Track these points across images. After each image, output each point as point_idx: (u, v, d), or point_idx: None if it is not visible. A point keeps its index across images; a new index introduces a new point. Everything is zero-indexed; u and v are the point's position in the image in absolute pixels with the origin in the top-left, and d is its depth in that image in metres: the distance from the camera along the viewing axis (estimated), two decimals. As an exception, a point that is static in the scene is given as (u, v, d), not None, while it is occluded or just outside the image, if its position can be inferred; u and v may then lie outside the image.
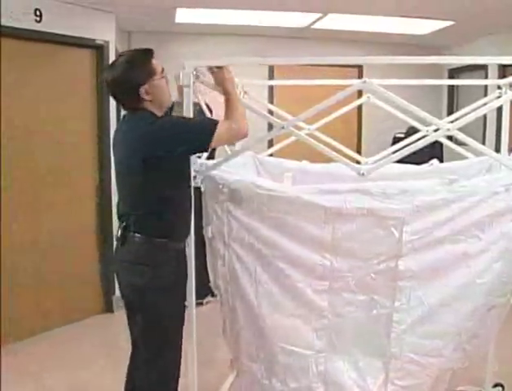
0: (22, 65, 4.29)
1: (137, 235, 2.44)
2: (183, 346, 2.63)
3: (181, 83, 2.50)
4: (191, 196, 2.59)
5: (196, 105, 2.62)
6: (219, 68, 2.52)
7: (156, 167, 2.36)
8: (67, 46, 4.55)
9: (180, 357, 2.62)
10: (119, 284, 2.63)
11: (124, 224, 2.48)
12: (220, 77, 2.53)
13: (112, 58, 4.79)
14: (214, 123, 2.38)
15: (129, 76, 2.40)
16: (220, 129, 2.35)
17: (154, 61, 2.47)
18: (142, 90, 2.39)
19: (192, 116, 2.52)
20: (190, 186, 2.58)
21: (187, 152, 2.47)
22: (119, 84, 2.43)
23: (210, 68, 2.55)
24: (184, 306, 2.63)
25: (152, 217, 2.45)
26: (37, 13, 4.23)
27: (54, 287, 4.60)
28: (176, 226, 2.53)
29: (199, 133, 2.39)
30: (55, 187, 4.59)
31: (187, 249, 2.62)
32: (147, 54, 2.53)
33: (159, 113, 2.47)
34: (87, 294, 4.88)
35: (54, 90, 4.51)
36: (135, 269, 2.48)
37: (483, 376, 3.24)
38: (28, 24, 4.17)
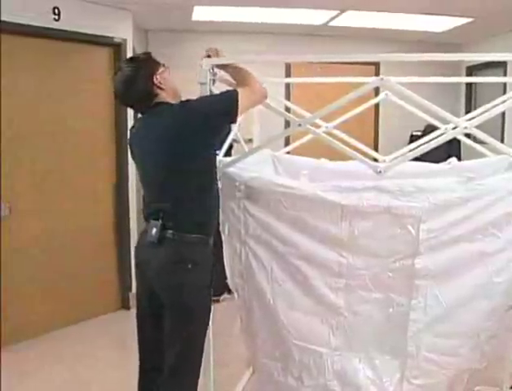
0: (40, 63, 4.32)
1: (177, 233, 2.38)
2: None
3: (198, 80, 2.51)
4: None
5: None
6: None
7: (193, 156, 2.35)
8: (85, 44, 4.58)
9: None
10: (154, 285, 2.49)
11: (161, 222, 2.39)
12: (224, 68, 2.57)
13: (129, 55, 4.82)
14: (236, 93, 2.39)
15: (140, 71, 2.45)
16: (242, 97, 2.37)
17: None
18: (156, 78, 2.44)
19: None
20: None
21: (220, 126, 2.47)
22: (132, 83, 2.45)
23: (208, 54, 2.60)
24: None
25: (192, 212, 2.41)
26: (56, 11, 4.26)
27: (71, 283, 4.64)
28: (212, 221, 2.52)
29: (225, 104, 2.39)
30: (75, 185, 4.63)
31: None
32: (145, 53, 2.63)
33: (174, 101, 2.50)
34: (104, 291, 4.91)
35: (71, 87, 4.54)
36: (179, 268, 2.40)
37: (502, 377, 3.21)
38: (47, 22, 4.20)
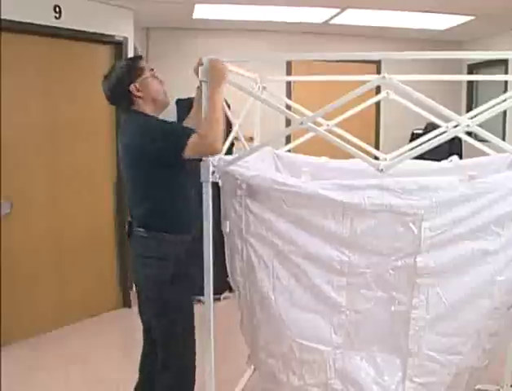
0: (41, 61, 4.32)
1: (139, 229, 2.60)
2: (201, 342, 2.66)
3: (199, 78, 2.51)
4: (191, 191, 2.70)
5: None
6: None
7: (147, 164, 2.51)
8: (86, 43, 4.58)
9: (193, 358, 2.71)
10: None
11: (129, 219, 2.68)
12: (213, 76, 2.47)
13: (130, 54, 4.83)
14: (190, 140, 2.41)
15: (120, 77, 2.60)
16: (192, 146, 2.41)
17: (143, 62, 2.67)
18: (132, 87, 2.57)
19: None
20: (189, 180, 2.68)
21: (163, 155, 2.48)
22: (113, 87, 2.62)
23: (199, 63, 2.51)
24: (191, 300, 2.74)
25: (151, 211, 2.60)
26: (57, 9, 4.26)
27: (72, 282, 4.65)
28: (172, 220, 2.63)
29: (174, 144, 2.45)
30: (74, 185, 4.64)
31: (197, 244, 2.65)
32: (135, 58, 2.86)
33: (151, 111, 2.63)
34: (105, 289, 4.92)
35: (72, 86, 4.55)
36: (141, 262, 2.62)
37: (502, 375, 3.22)
38: (48, 20, 4.20)
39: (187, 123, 2.78)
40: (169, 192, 2.59)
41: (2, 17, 3.82)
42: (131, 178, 2.64)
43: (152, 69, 2.67)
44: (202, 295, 2.58)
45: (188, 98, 2.57)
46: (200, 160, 2.51)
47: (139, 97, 2.60)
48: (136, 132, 2.56)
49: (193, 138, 2.42)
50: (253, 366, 3.30)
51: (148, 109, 2.63)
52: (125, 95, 2.60)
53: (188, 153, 2.42)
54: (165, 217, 2.61)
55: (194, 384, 2.73)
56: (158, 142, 2.46)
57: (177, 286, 2.59)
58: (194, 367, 2.71)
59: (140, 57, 2.84)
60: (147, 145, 2.48)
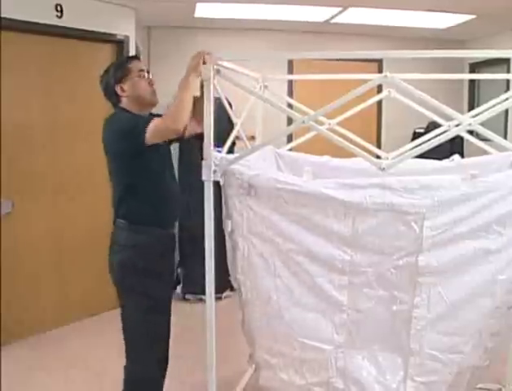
0: (42, 60, 4.33)
1: (118, 220, 2.74)
2: (202, 341, 2.66)
3: (201, 77, 2.51)
4: (170, 185, 2.84)
5: (217, 99, 2.63)
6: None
7: (116, 155, 2.67)
8: (87, 41, 4.59)
9: (163, 351, 2.77)
10: None
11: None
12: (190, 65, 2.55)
13: (132, 52, 4.83)
14: (147, 121, 2.53)
15: (108, 77, 2.77)
16: (151, 127, 2.50)
17: (133, 63, 2.79)
18: (118, 87, 2.72)
19: (212, 110, 2.53)
20: (164, 175, 2.79)
21: (129, 146, 2.59)
22: (104, 85, 2.79)
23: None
24: (165, 293, 2.82)
25: (123, 203, 2.73)
26: (58, 8, 4.26)
27: (72, 281, 4.66)
28: (147, 213, 2.71)
29: (135, 129, 2.54)
30: (75, 183, 4.64)
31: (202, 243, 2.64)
32: (127, 58, 3.02)
33: (137, 110, 2.72)
34: (105, 288, 4.90)
35: (74, 85, 4.54)
36: (112, 249, 2.79)
37: (505, 374, 3.22)
38: (49, 19, 4.20)
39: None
40: (139, 183, 2.69)
41: (4, 16, 3.82)
42: (109, 171, 2.77)
43: (142, 70, 2.77)
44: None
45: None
46: (202, 157, 2.52)
47: (125, 96, 2.74)
48: (107, 126, 2.70)
49: (153, 122, 2.52)
50: (254, 366, 3.29)
51: (134, 108, 2.73)
52: (112, 94, 2.76)
53: (150, 138, 2.51)
54: (134, 206, 2.71)
55: (155, 380, 2.79)
56: (121, 133, 2.59)
57: (141, 276, 2.67)
58: (149, 364, 2.76)
59: (132, 57, 3.02)
60: (112, 137, 2.65)
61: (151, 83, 2.79)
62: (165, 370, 2.82)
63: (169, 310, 2.83)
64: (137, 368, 2.73)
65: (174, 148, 3.01)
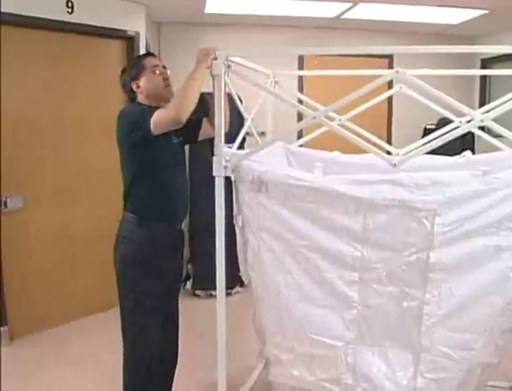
0: (53, 56, 4.34)
1: (125, 212, 2.80)
2: (213, 337, 2.66)
3: (212, 73, 2.51)
4: (180, 183, 2.88)
5: (228, 95, 2.63)
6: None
7: (129, 148, 2.70)
8: (98, 38, 4.60)
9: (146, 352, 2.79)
10: None
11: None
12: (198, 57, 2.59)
13: (142, 49, 4.84)
14: (152, 112, 2.58)
15: (125, 75, 2.86)
16: (154, 117, 2.55)
17: (147, 59, 2.85)
18: (133, 84, 2.80)
19: (223, 105, 2.53)
20: (174, 173, 2.83)
21: (137, 138, 2.62)
22: (122, 83, 2.87)
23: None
24: (165, 292, 2.83)
25: (130, 196, 2.79)
26: (69, 4, 4.27)
27: (76, 279, 4.69)
28: (153, 208, 2.75)
29: (141, 120, 2.59)
30: (82, 181, 4.66)
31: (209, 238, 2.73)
32: (142, 56, 3.07)
33: (153, 104, 2.74)
34: (109, 286, 4.92)
35: (84, 81, 4.56)
36: (117, 240, 2.83)
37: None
38: (60, 15, 4.21)
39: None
40: (147, 176, 2.73)
41: (15, 12, 3.85)
42: (120, 162, 2.82)
43: (156, 65, 2.82)
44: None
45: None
46: (212, 153, 2.52)
47: (140, 92, 2.82)
48: (119, 119, 2.74)
49: (158, 112, 2.56)
50: (264, 361, 3.30)
51: (150, 103, 2.78)
52: (129, 91, 2.84)
53: (154, 127, 2.55)
54: (141, 200, 2.75)
55: (154, 378, 2.81)
56: (129, 124, 2.64)
57: (141, 272, 2.72)
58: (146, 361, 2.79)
59: (146, 54, 3.09)
60: (122, 128, 2.71)
61: (165, 78, 2.82)
62: (174, 367, 2.88)
63: (172, 309, 2.87)
64: (137, 367, 2.81)
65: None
